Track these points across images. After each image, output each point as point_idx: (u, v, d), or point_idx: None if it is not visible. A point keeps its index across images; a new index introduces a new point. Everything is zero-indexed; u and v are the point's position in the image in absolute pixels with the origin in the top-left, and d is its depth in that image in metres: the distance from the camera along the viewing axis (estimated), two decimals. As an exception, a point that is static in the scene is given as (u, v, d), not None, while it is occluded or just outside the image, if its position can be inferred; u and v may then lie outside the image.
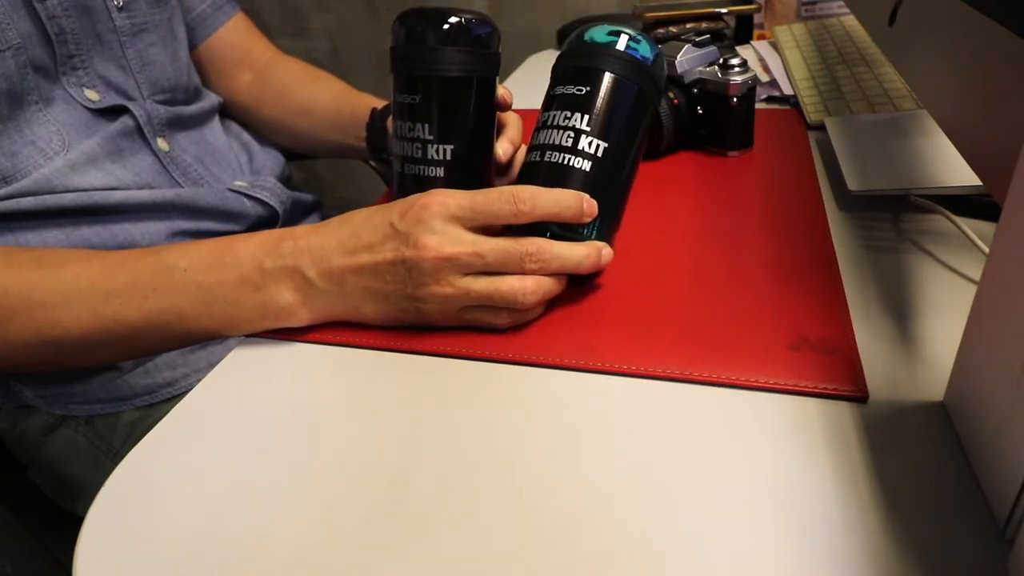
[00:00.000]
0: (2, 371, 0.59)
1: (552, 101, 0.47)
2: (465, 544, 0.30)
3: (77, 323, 0.44)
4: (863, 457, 0.33)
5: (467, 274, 0.41)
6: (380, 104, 0.72)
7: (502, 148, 0.55)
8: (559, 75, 0.48)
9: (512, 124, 0.57)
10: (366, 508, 0.33)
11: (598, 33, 0.47)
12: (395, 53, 0.50)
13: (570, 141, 0.45)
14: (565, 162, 0.44)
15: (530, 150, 0.47)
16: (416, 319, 0.43)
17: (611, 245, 0.46)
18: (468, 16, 0.48)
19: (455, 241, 0.40)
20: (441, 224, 0.40)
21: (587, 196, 0.43)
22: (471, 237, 0.41)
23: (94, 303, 0.44)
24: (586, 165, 0.44)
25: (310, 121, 0.79)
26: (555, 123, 0.46)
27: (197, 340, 0.46)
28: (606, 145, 0.45)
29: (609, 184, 0.45)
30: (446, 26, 0.47)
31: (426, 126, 0.49)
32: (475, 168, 0.52)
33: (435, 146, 0.49)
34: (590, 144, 0.45)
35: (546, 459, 0.34)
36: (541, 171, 0.45)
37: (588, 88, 0.46)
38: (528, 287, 0.41)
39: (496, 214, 0.41)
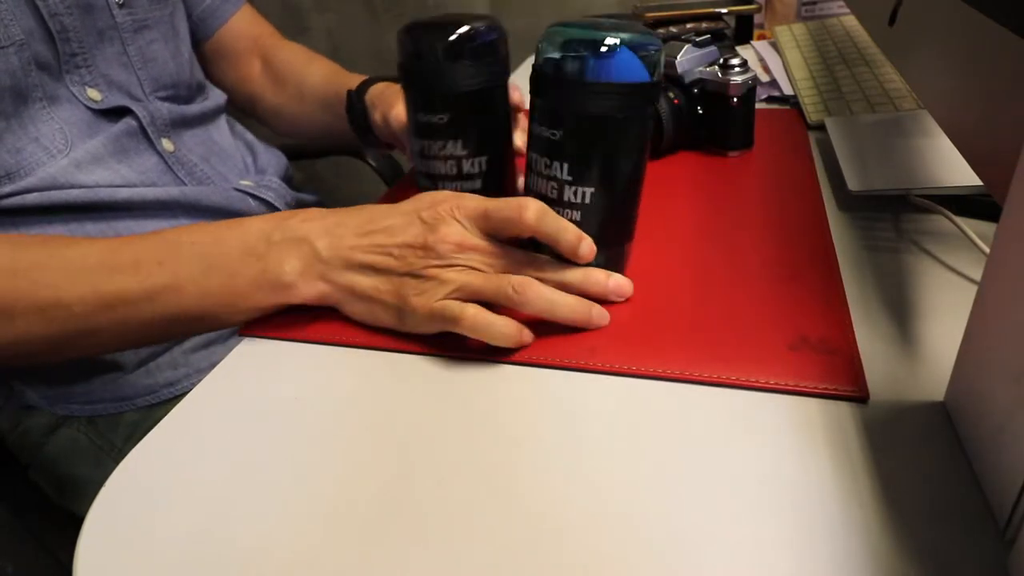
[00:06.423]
0: (5, 364, 0.59)
1: (532, 141, 0.43)
2: (466, 544, 0.30)
3: (80, 302, 0.43)
4: (863, 457, 0.33)
5: (472, 272, 0.42)
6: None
7: (520, 140, 0.57)
8: (532, 108, 0.43)
9: (522, 116, 0.60)
10: (366, 508, 0.33)
11: (552, 46, 0.40)
12: (410, 69, 0.48)
13: (555, 193, 0.42)
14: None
15: (526, 189, 0.45)
16: (396, 316, 0.43)
17: (623, 262, 0.46)
18: (478, 26, 0.47)
19: (476, 238, 0.42)
20: (466, 222, 0.42)
21: (588, 240, 0.42)
22: (486, 240, 0.43)
23: (98, 280, 0.43)
24: (576, 215, 0.42)
25: (301, 105, 0.79)
26: (538, 170, 0.43)
27: (192, 322, 0.45)
28: (592, 190, 0.42)
29: (606, 219, 0.43)
30: (459, 40, 0.46)
31: (459, 143, 0.49)
32: (505, 170, 0.53)
33: (470, 160, 0.49)
34: (576, 194, 0.42)
35: (546, 459, 0.34)
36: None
37: (559, 132, 0.41)
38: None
39: (505, 220, 0.42)
